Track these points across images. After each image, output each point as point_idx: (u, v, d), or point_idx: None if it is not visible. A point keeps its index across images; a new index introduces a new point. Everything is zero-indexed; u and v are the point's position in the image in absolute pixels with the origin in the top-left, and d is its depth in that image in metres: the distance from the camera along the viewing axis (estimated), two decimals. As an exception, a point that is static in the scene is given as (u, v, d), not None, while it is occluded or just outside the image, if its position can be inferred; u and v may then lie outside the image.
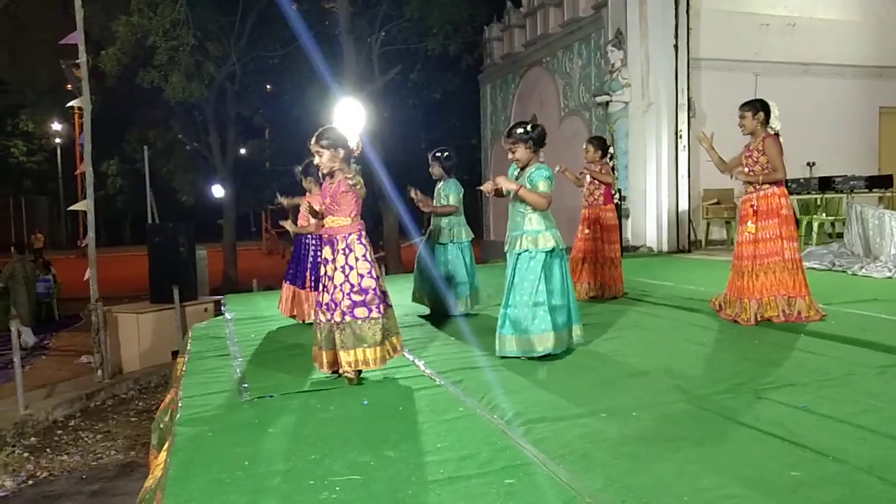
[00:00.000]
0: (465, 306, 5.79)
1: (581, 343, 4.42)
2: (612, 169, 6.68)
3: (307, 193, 5.73)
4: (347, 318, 3.77)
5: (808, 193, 10.38)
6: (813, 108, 11.88)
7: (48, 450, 7.27)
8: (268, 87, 23.45)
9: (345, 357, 3.79)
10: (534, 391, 3.63)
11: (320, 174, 4.07)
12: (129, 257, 24.18)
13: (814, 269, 7.70)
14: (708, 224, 12.13)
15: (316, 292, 5.33)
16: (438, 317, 5.77)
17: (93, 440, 7.58)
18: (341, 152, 3.90)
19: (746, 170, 5.14)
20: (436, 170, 5.84)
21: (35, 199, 36.41)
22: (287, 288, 5.78)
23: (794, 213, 5.37)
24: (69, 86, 10.42)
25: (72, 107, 10.36)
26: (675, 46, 11.48)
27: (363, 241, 3.90)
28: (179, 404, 3.68)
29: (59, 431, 7.79)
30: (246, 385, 3.97)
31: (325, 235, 3.94)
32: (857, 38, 13.05)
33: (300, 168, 5.80)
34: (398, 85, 20.48)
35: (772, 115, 5.09)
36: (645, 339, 4.90)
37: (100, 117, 11.74)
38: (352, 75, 17.35)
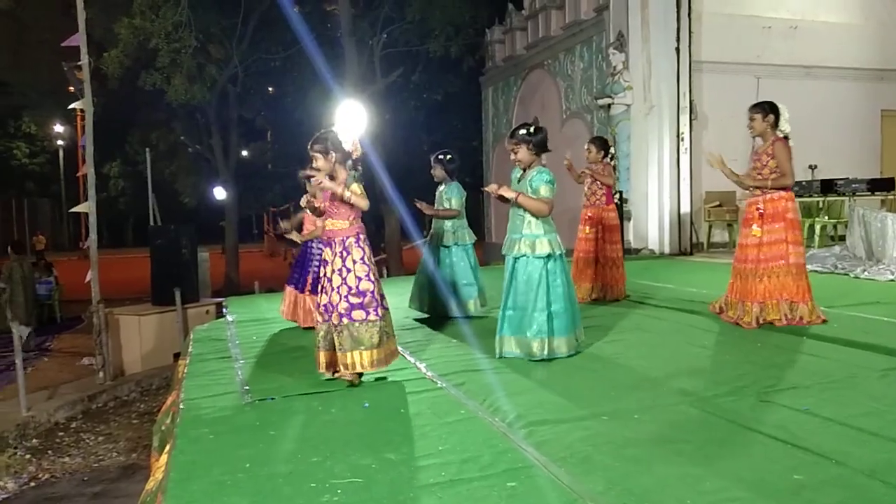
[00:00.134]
0: (474, 307, 5.79)
1: (581, 348, 4.40)
2: (613, 169, 6.69)
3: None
4: (345, 321, 3.78)
5: (810, 196, 10.38)
6: (815, 110, 11.86)
7: (50, 452, 7.27)
8: (270, 89, 23.49)
9: (342, 359, 3.81)
10: (535, 394, 3.63)
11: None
12: (130, 259, 24.22)
13: (816, 272, 7.68)
14: (710, 226, 12.12)
15: (312, 296, 5.36)
16: (439, 319, 5.76)
17: (94, 442, 7.58)
18: (334, 156, 3.93)
19: (756, 174, 5.08)
20: (438, 172, 5.84)
21: (37, 201, 36.46)
22: (290, 292, 5.77)
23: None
24: (71, 88, 10.47)
25: (74, 109, 10.36)
26: (677, 49, 11.47)
27: (361, 243, 3.91)
28: (181, 406, 3.68)
29: (61, 433, 7.80)
30: (247, 387, 3.97)
31: (325, 238, 3.97)
32: (858, 41, 13.04)
33: (303, 172, 5.80)
34: (400, 87, 20.50)
35: (781, 118, 5.05)
36: (647, 342, 4.89)
37: (102, 119, 11.77)
38: (353, 77, 17.36)
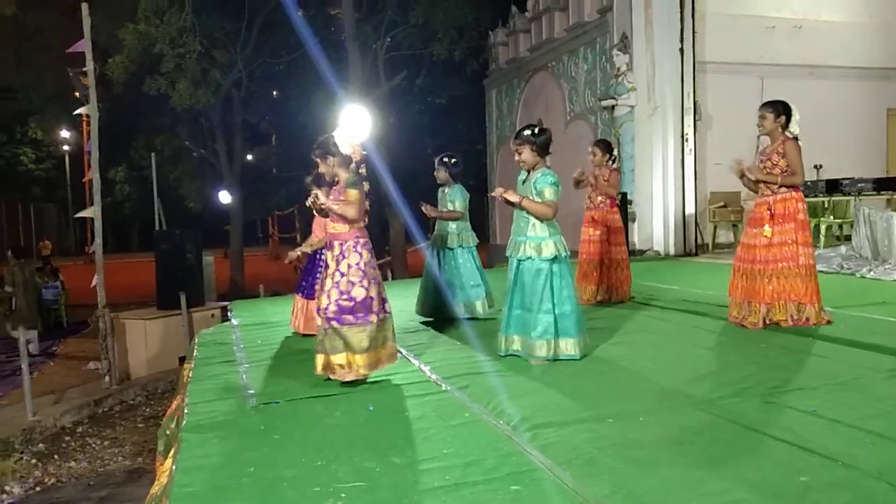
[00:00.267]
0: (482, 308, 5.78)
1: (587, 350, 4.37)
2: (618, 173, 6.70)
3: None
4: (334, 324, 3.81)
5: (816, 196, 10.34)
6: (819, 110, 11.81)
7: (56, 456, 7.29)
8: (274, 93, 23.56)
9: (332, 361, 3.85)
10: (540, 396, 3.62)
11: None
12: (136, 264, 24.27)
13: (822, 272, 7.61)
14: (715, 227, 12.09)
15: (307, 301, 5.36)
16: (443, 321, 5.76)
17: (100, 446, 7.59)
18: (331, 160, 3.98)
19: (764, 168, 5.04)
20: (441, 174, 5.84)
21: (43, 206, 36.58)
22: (299, 301, 5.72)
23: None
24: (77, 93, 10.50)
25: (79, 114, 10.41)
26: (681, 50, 11.46)
27: (360, 248, 3.91)
28: (185, 410, 3.68)
29: (67, 438, 7.81)
30: (252, 391, 3.98)
31: (327, 241, 3.99)
32: (863, 39, 13.00)
33: (310, 178, 5.81)
34: (404, 90, 20.52)
35: (792, 120, 5.02)
36: (652, 344, 4.88)
37: (107, 124, 11.82)
38: (357, 81, 17.39)
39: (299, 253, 5.71)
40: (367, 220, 4.14)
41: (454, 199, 5.79)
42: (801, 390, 3.53)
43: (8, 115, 31.64)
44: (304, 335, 5.35)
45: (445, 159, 5.85)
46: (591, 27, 13.08)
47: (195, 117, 20.80)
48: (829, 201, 10.41)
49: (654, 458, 2.71)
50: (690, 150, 11.63)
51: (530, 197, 4.24)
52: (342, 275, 3.86)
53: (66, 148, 35.33)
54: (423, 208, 5.84)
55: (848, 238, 9.72)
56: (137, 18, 16.55)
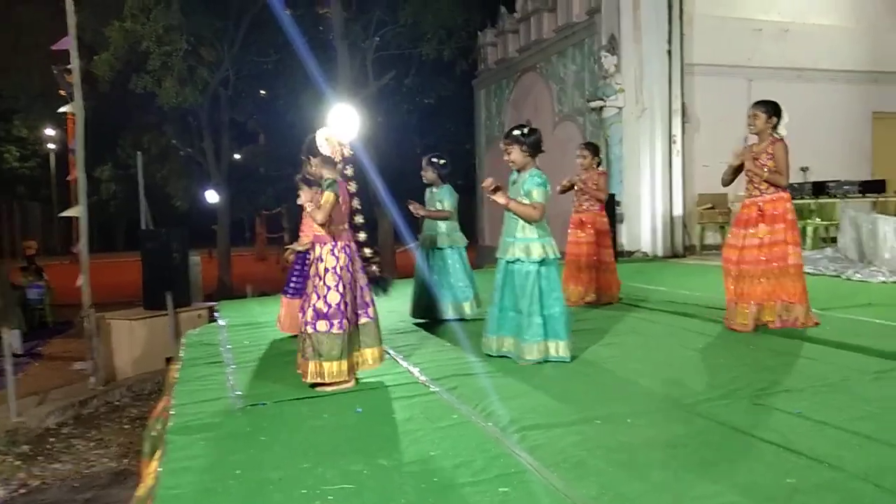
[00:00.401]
0: (470, 309, 5.77)
1: (575, 352, 4.35)
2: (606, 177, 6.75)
3: None
4: (309, 329, 3.79)
5: (802, 198, 10.40)
6: (806, 113, 11.86)
7: (40, 458, 7.21)
8: (262, 92, 23.44)
9: (302, 366, 3.85)
10: (529, 398, 3.61)
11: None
12: (122, 263, 24.12)
13: (808, 273, 7.64)
14: (702, 229, 12.14)
15: (290, 299, 5.33)
16: (433, 322, 5.75)
17: (85, 448, 7.52)
18: (313, 160, 3.97)
19: (752, 174, 5.04)
20: (429, 174, 5.83)
21: (28, 204, 36.30)
22: (285, 302, 5.67)
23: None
24: (62, 91, 10.40)
25: (64, 112, 10.30)
26: (669, 52, 11.51)
27: (336, 252, 3.87)
28: (172, 412, 3.65)
29: (52, 439, 7.73)
30: (239, 392, 3.95)
31: (312, 242, 3.99)
32: (850, 43, 13.10)
33: (299, 176, 5.78)
34: (392, 90, 20.50)
35: (781, 122, 5.06)
36: (640, 346, 4.89)
37: (93, 123, 11.69)
38: (346, 80, 17.35)
39: (292, 254, 5.66)
40: (352, 220, 4.08)
41: (443, 199, 5.78)
42: (789, 392, 3.55)
43: (-8, 113, 31.36)
44: (293, 336, 5.32)
45: (434, 159, 5.84)
46: (579, 28, 13.11)
47: (182, 116, 20.68)
48: (815, 203, 10.48)
49: (642, 461, 2.71)
50: (678, 151, 11.68)
51: (519, 198, 4.24)
52: (319, 278, 3.84)
53: (51, 146, 35.00)
54: (411, 207, 5.81)
55: (834, 240, 9.79)
56: (124, 16, 16.44)
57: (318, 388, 3.83)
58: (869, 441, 2.83)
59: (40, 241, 27.45)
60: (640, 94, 11.61)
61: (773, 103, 5.09)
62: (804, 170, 12.11)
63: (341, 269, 3.85)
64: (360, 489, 2.55)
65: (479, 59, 18.24)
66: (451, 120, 23.50)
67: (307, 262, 5.46)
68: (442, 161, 5.84)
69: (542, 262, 4.21)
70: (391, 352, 4.70)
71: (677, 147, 11.66)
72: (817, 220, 10.47)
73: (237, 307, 7.76)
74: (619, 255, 9.99)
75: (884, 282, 7.31)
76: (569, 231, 6.66)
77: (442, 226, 5.77)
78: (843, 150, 12.82)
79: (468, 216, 15.30)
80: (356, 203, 4.08)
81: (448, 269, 5.74)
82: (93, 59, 16.89)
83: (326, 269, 3.83)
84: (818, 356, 4.30)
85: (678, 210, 11.70)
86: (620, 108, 11.70)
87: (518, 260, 4.23)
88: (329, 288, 3.80)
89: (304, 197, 3.98)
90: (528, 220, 4.20)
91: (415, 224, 6.28)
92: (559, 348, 4.22)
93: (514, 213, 4.23)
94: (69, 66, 9.37)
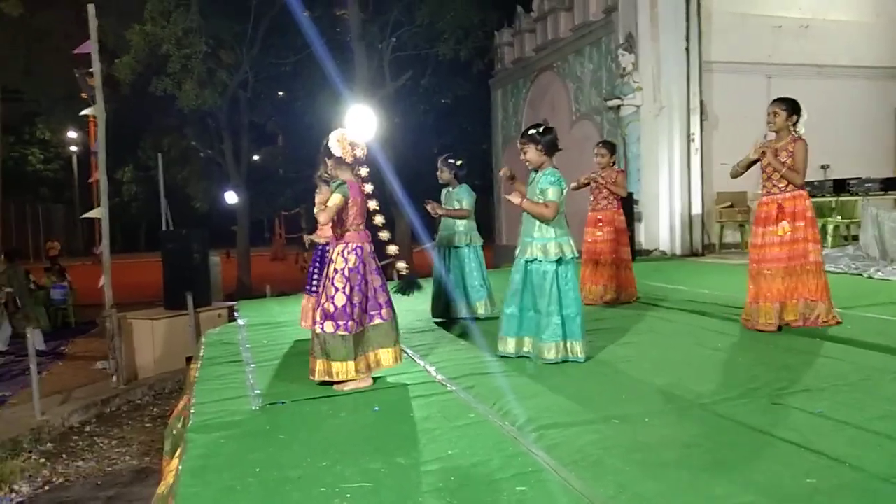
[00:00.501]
0: (484, 309, 5.77)
1: (584, 358, 4.26)
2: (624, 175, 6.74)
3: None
4: (317, 329, 3.83)
5: (823, 196, 10.29)
6: (827, 110, 11.74)
7: (64, 455, 7.31)
8: (280, 94, 23.56)
9: (311, 364, 3.89)
10: (546, 397, 3.61)
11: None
12: (144, 263, 24.35)
13: (829, 272, 7.54)
14: (721, 227, 12.05)
15: (310, 297, 5.37)
16: (450, 322, 5.77)
17: (108, 446, 7.62)
18: (328, 161, 3.99)
19: (771, 171, 4.98)
20: (445, 175, 5.84)
21: (51, 206, 36.77)
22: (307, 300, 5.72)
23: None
24: (84, 94, 10.53)
25: (86, 115, 10.43)
26: (687, 49, 11.44)
27: (346, 254, 3.88)
28: (192, 410, 3.69)
29: (75, 437, 7.84)
30: (258, 391, 3.98)
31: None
32: (870, 39, 12.94)
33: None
34: (409, 90, 20.53)
35: (801, 120, 5.02)
36: (658, 345, 4.87)
37: (114, 125, 11.83)
38: (363, 81, 17.41)
39: (311, 244, 5.73)
40: (372, 220, 4.09)
41: (461, 198, 5.79)
42: (809, 391, 3.52)
43: (16, 117, 31.78)
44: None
45: (451, 161, 5.85)
46: (596, 27, 13.06)
47: (202, 118, 20.84)
48: (836, 201, 10.36)
49: (660, 460, 2.70)
50: (696, 149, 11.60)
51: (535, 197, 4.25)
52: (330, 279, 3.87)
53: (73, 148, 35.49)
54: (428, 207, 5.81)
55: (855, 238, 9.67)
56: (144, 19, 16.61)
57: (337, 388, 3.86)
58: (890, 441, 2.80)
59: (63, 242, 27.83)
60: (658, 93, 11.54)
61: (793, 101, 5.04)
62: (825, 167, 11.99)
63: (350, 270, 3.86)
64: (378, 487, 2.57)
65: (496, 59, 18.23)
66: (467, 120, 23.50)
67: (324, 258, 5.56)
68: (460, 163, 5.85)
69: (559, 262, 4.21)
70: (408, 351, 4.73)
71: (696, 145, 11.58)
72: (838, 217, 10.34)
73: (256, 307, 7.82)
74: (637, 253, 9.94)
75: (907, 280, 7.21)
76: (585, 230, 6.65)
77: (460, 225, 5.78)
78: (864, 146, 12.68)
79: (485, 216, 15.29)
80: (374, 204, 4.05)
81: (464, 268, 5.75)
82: (114, 63, 17.08)
83: (336, 271, 3.86)
84: (839, 355, 4.26)
85: (697, 208, 11.62)
86: (638, 107, 11.65)
87: (536, 259, 4.23)
88: (337, 290, 3.82)
89: (320, 197, 4.02)
90: (542, 220, 4.20)
91: (431, 224, 6.29)
92: (576, 348, 4.21)
93: (529, 213, 4.24)
94: (91, 70, 9.49)
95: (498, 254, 17.16)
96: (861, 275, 7.70)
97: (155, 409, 8.84)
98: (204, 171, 24.97)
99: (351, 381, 3.85)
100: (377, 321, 3.96)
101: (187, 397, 4.31)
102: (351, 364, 3.81)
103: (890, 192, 10.18)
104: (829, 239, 9.98)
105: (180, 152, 24.90)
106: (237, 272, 20.79)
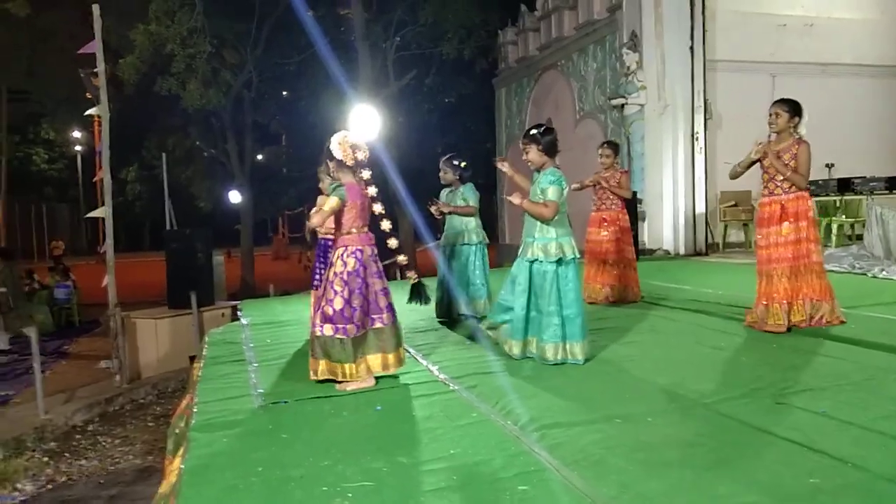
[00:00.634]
0: (485, 308, 5.77)
1: (583, 359, 4.23)
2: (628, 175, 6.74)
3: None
4: (317, 331, 3.83)
5: (827, 195, 10.26)
6: (831, 108, 11.74)
7: (67, 454, 7.33)
8: (284, 93, 23.61)
9: (312, 364, 3.90)
10: (548, 396, 3.61)
11: None
12: (148, 263, 24.39)
13: (833, 271, 7.59)
14: (725, 226, 12.02)
15: (316, 291, 5.37)
16: (452, 321, 5.76)
17: (111, 445, 7.63)
18: (331, 164, 3.98)
19: (773, 172, 4.96)
20: (449, 176, 5.84)
21: (56, 205, 36.87)
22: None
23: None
24: (88, 94, 10.55)
25: (91, 115, 10.45)
26: (691, 48, 11.41)
27: (345, 257, 3.87)
28: (194, 410, 3.69)
29: (78, 436, 7.86)
30: (261, 390, 3.99)
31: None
32: (875, 37, 12.90)
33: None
34: (413, 90, 20.53)
35: (802, 122, 5.00)
36: (661, 344, 4.86)
37: (119, 125, 11.88)
38: (367, 81, 17.41)
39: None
40: (378, 225, 4.07)
41: (467, 197, 5.80)
42: (812, 391, 3.51)
43: (21, 117, 31.91)
44: None
45: (456, 163, 5.84)
46: (600, 25, 13.03)
47: (206, 117, 20.89)
48: (840, 200, 10.32)
49: (662, 460, 2.69)
50: (701, 148, 11.58)
51: (537, 197, 4.24)
52: (330, 282, 3.87)
53: (78, 148, 35.58)
54: (432, 209, 5.81)
55: (860, 237, 9.64)
56: (148, 19, 16.64)
57: (339, 388, 3.86)
58: (894, 441, 2.78)
59: (68, 241, 27.92)
60: (662, 91, 11.52)
61: (796, 102, 5.02)
62: (829, 166, 11.95)
63: (348, 274, 3.85)
64: (380, 487, 2.57)
65: (500, 58, 18.22)
66: (471, 119, 23.50)
67: (327, 256, 5.56)
68: (463, 163, 5.85)
69: (559, 262, 4.19)
70: (411, 350, 4.72)
71: (700, 144, 11.56)
72: (843, 217, 10.31)
73: (259, 306, 7.83)
74: (641, 253, 9.93)
75: (911, 280, 7.18)
76: (589, 230, 6.65)
77: (465, 223, 5.78)
78: (868, 145, 12.64)
79: (489, 215, 15.31)
80: (380, 208, 4.02)
81: (468, 266, 5.76)
82: (118, 63, 17.12)
83: (336, 274, 3.86)
84: (843, 355, 4.24)
85: (700, 208, 11.60)
86: (642, 106, 11.62)
87: (537, 259, 4.23)
88: (336, 293, 3.82)
89: (321, 200, 4.02)
90: (542, 220, 4.19)
91: (434, 223, 6.29)
92: (576, 350, 4.19)
93: (529, 213, 4.23)
94: (95, 70, 9.50)
95: (501, 253, 17.15)
96: (865, 274, 7.68)
97: (158, 408, 8.86)
98: (208, 171, 25.03)
99: (353, 381, 3.86)
100: (378, 325, 3.94)
101: (190, 396, 4.32)
102: (351, 366, 3.82)
103: (895, 191, 10.14)
104: (834, 238, 9.95)
105: (184, 152, 24.97)
106: (240, 271, 20.83)
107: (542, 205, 4.17)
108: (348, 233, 3.91)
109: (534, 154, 4.28)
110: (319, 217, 3.83)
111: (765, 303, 4.97)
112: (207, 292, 10.69)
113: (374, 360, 3.94)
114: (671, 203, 11.58)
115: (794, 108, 4.97)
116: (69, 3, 20.75)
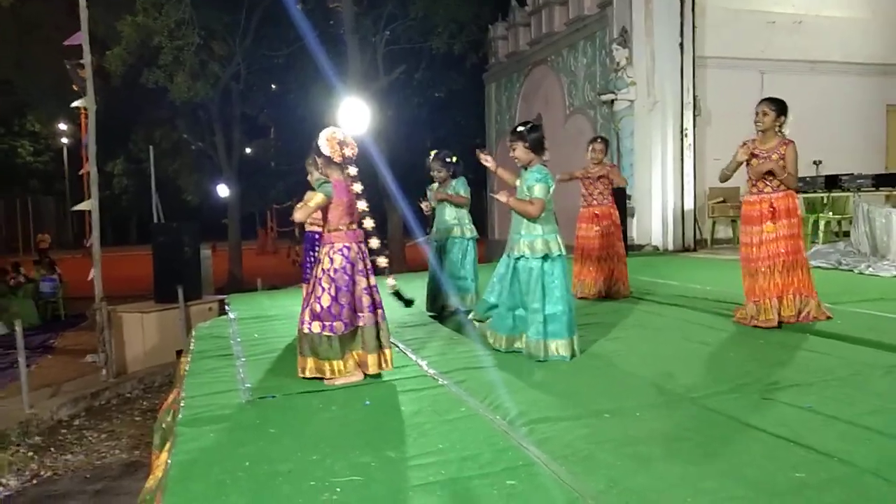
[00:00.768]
0: (472, 302, 5.76)
1: (569, 356, 4.21)
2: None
3: None
4: (305, 329, 3.81)
5: (815, 192, 10.32)
6: (820, 105, 11.81)
7: (52, 449, 7.28)
8: (273, 86, 23.49)
9: (300, 362, 3.88)
10: (537, 391, 3.61)
11: None
12: (134, 256, 24.26)
13: (820, 267, 7.65)
14: (713, 223, 12.08)
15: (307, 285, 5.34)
16: (443, 317, 5.75)
17: (97, 439, 7.59)
18: (318, 160, 3.96)
19: (778, 165, 4.96)
20: (442, 174, 5.81)
21: (41, 198, 36.54)
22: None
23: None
24: (75, 86, 10.46)
25: (77, 107, 10.37)
26: (681, 45, 11.43)
27: (331, 254, 3.85)
28: (181, 404, 3.67)
29: (64, 431, 7.81)
30: (248, 385, 3.96)
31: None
32: (864, 35, 12.97)
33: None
34: (403, 84, 20.47)
35: (786, 122, 5.03)
36: (649, 339, 4.87)
37: (105, 117, 11.77)
38: (356, 74, 17.35)
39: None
40: (361, 223, 4.03)
41: (459, 190, 5.79)
42: (798, 386, 3.53)
43: (6, 108, 31.56)
44: None
45: (448, 160, 5.82)
46: (590, 21, 13.04)
47: (194, 110, 20.76)
48: (828, 197, 10.38)
49: (650, 454, 2.70)
50: (690, 145, 11.61)
51: (523, 194, 4.24)
52: (317, 279, 3.85)
53: (64, 141, 35.24)
54: (423, 205, 5.82)
55: (846, 234, 9.71)
56: (136, 10, 16.50)
57: (327, 382, 3.84)
58: (880, 436, 2.81)
59: (54, 235, 27.69)
60: (652, 88, 11.54)
61: (782, 101, 5.05)
62: (817, 163, 12.02)
63: (335, 271, 3.82)
64: (369, 481, 2.56)
65: (490, 53, 18.19)
66: (461, 113, 23.48)
67: (316, 251, 5.54)
68: (454, 159, 5.84)
69: (545, 258, 4.19)
70: (400, 345, 4.72)
71: (689, 140, 11.59)
72: (830, 213, 10.38)
73: (247, 300, 7.79)
74: (629, 248, 9.95)
75: (896, 276, 7.24)
76: (580, 225, 6.64)
77: (456, 217, 5.77)
78: (856, 143, 12.71)
79: (478, 210, 15.28)
80: (364, 205, 3.95)
81: (457, 259, 5.75)
82: (105, 54, 16.97)
83: (323, 271, 3.84)
84: (829, 350, 4.27)
85: (689, 204, 11.64)
86: (632, 102, 11.63)
87: (523, 256, 4.23)
88: (323, 290, 3.80)
89: (308, 195, 3.97)
90: (528, 217, 4.19)
91: (424, 218, 6.27)
92: (559, 348, 4.18)
93: (515, 210, 4.23)
94: (81, 61, 9.43)
95: (490, 248, 17.15)
96: (852, 270, 7.73)
97: (144, 403, 8.82)
98: (195, 164, 24.88)
99: (341, 377, 3.84)
100: (361, 323, 3.88)
101: (177, 391, 4.29)
102: (339, 363, 3.82)
103: (881, 189, 10.21)
104: (821, 235, 10.02)
105: (171, 145, 24.80)
106: (228, 265, 20.74)
107: (529, 202, 4.16)
108: (336, 230, 3.88)
109: (521, 151, 4.27)
110: (303, 212, 3.80)
111: (755, 300, 5.00)
112: (195, 286, 10.64)
113: (360, 358, 3.90)
114: (660, 199, 11.61)
115: (780, 108, 5.00)
116: (56, -6, 20.54)
